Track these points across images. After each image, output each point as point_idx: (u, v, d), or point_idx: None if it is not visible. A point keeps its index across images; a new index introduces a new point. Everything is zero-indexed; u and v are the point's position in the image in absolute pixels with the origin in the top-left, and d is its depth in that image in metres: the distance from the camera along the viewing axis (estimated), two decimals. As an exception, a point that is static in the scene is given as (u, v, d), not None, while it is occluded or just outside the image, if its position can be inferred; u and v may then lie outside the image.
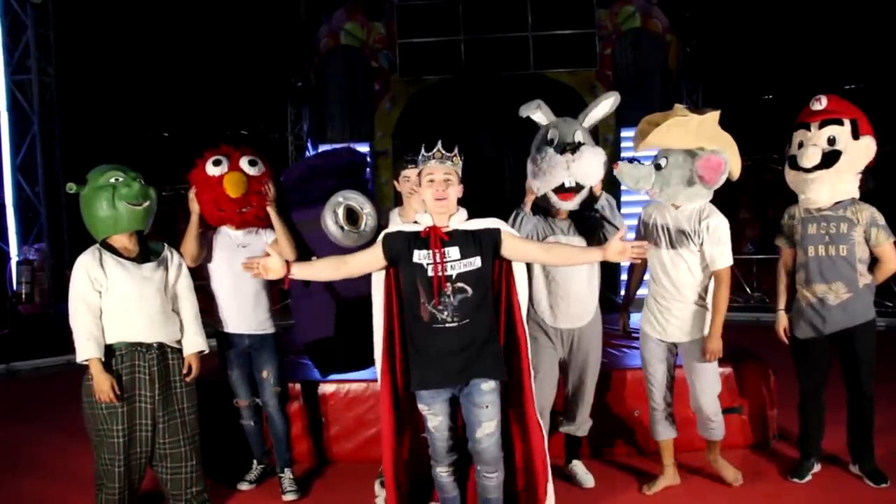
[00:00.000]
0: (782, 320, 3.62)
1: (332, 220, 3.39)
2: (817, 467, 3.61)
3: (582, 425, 3.66)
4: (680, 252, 3.37)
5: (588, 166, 3.34)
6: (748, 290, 9.30)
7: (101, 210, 3.12)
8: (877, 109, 3.93)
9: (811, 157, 3.38)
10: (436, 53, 11.31)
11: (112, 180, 3.13)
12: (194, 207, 3.54)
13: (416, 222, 2.87)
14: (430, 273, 2.76)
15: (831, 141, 3.38)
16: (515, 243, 2.87)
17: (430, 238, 2.78)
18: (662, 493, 3.52)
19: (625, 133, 11.10)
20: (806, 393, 3.59)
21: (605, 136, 11.29)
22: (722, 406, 3.61)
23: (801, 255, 3.50)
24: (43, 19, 8.61)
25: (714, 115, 3.30)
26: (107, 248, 3.17)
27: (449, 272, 2.75)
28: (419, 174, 2.84)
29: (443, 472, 2.92)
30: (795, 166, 3.47)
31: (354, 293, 3.49)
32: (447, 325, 2.76)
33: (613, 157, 11.34)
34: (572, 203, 3.41)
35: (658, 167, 3.38)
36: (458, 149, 2.82)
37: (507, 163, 10.57)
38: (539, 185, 3.38)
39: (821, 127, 3.40)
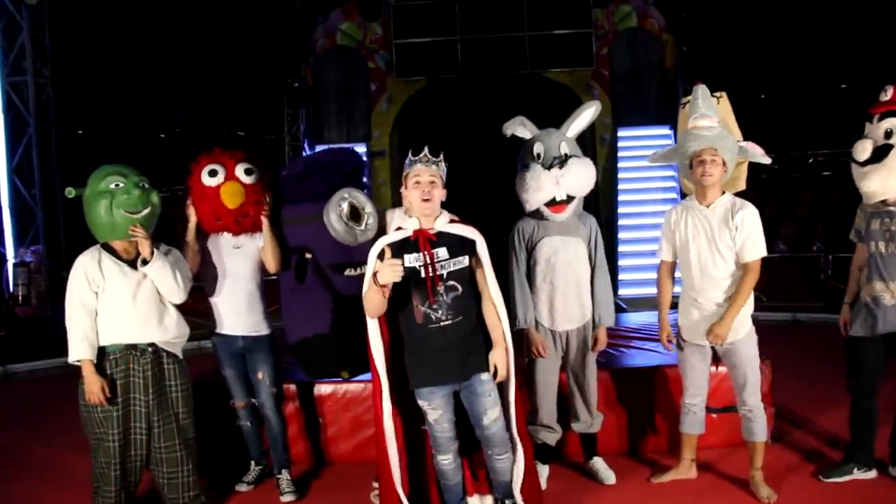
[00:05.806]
0: (844, 313, 3.50)
1: (335, 215, 3.34)
2: (859, 473, 3.44)
3: (593, 422, 3.63)
4: (719, 250, 3.23)
5: (577, 178, 3.38)
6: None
7: (99, 216, 3.11)
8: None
9: (863, 150, 3.28)
10: (432, 53, 11.31)
11: (112, 185, 3.10)
12: (192, 218, 3.50)
13: (399, 228, 2.92)
14: (423, 275, 2.81)
15: (888, 134, 3.26)
16: (478, 266, 2.92)
17: (420, 241, 2.84)
18: (665, 487, 3.50)
19: (622, 133, 11.12)
20: (854, 393, 3.43)
21: (601, 135, 11.32)
22: (720, 405, 3.59)
23: (865, 251, 3.37)
24: (38, 21, 8.58)
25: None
26: (107, 249, 3.17)
27: (440, 272, 2.83)
28: (405, 177, 2.90)
29: (444, 461, 2.95)
30: (853, 159, 3.36)
31: (353, 290, 3.42)
32: (442, 323, 2.82)
33: (611, 157, 11.39)
34: (565, 214, 3.43)
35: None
36: (442, 155, 2.88)
37: (504, 163, 10.57)
38: (530, 200, 3.40)
39: (880, 119, 3.29)
